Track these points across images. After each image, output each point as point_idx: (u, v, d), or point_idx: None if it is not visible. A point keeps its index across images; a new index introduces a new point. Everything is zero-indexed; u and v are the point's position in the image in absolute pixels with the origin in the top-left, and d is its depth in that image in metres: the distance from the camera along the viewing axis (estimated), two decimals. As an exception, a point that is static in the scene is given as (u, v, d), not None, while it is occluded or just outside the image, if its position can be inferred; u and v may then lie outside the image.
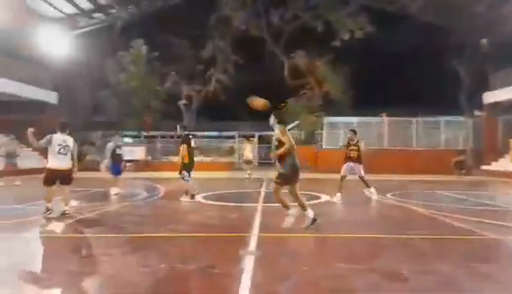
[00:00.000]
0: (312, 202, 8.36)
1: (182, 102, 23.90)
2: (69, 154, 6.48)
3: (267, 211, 7.08)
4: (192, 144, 8.62)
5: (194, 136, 9.36)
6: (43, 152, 8.20)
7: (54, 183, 6.45)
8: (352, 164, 8.67)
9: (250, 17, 23.36)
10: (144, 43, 22.47)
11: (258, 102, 5.80)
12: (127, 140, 25.77)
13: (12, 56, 18.19)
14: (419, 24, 20.24)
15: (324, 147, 20.62)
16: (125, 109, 21.99)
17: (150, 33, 22.33)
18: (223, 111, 24.64)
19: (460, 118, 21.40)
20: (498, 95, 19.90)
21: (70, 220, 6.25)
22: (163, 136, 25.11)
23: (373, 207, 8.42)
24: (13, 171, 13.60)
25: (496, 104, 20.43)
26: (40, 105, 20.15)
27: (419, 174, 17.13)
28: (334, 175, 8.83)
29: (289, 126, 16.34)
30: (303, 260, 4.21)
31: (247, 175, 15.27)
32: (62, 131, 6.56)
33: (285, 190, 5.65)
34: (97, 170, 10.51)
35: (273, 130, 5.71)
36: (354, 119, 20.53)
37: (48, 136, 6.38)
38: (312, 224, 5.44)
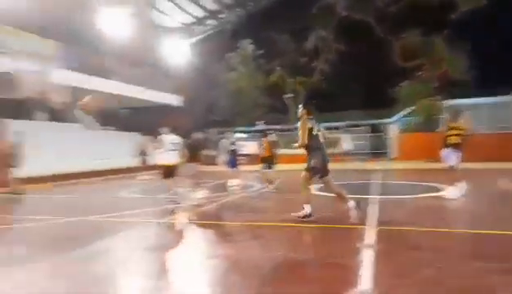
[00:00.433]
0: (429, 194, 7.77)
1: (288, 96, 24.36)
2: (177, 151, 7.56)
3: (383, 204, 6.85)
4: (273, 138, 9.73)
5: (274, 131, 10.66)
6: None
7: (171, 176, 7.54)
8: (451, 150, 7.23)
9: (354, 1, 22.46)
10: (250, 43, 23.56)
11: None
12: (239, 135, 27.45)
13: (140, 65, 20.91)
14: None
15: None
16: (235, 107, 23.44)
17: (255, 32, 23.33)
18: (329, 101, 24.32)
19: None
20: None
21: (197, 209, 7.06)
22: (272, 130, 25.94)
23: (505, 200, 7.40)
24: (144, 167, 15.68)
25: None
26: (166, 108, 22.76)
27: None
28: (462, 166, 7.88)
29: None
30: (426, 256, 4.00)
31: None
32: (171, 132, 7.72)
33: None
34: (215, 164, 11.51)
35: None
36: (480, 100, 18.08)
37: (159, 137, 7.57)
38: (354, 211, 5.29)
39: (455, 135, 7.18)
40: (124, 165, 15.57)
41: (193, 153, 7.86)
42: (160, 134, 7.79)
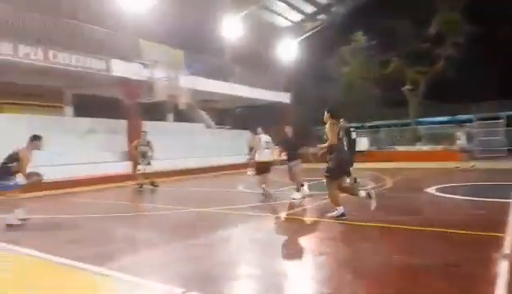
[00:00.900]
0: None
1: (407, 87, 22.51)
2: (270, 149, 8.10)
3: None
4: (353, 136, 9.43)
5: (356, 129, 10.22)
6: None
7: (264, 172, 8.08)
8: None
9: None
10: (363, 34, 22.50)
11: None
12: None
13: (254, 66, 21.81)
14: None
15: None
16: (348, 101, 22.70)
17: (368, 23, 22.14)
18: (455, 92, 21.66)
19: None
20: None
21: (304, 206, 7.06)
22: (387, 125, 24.44)
23: None
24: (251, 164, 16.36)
25: None
26: (278, 105, 23.32)
27: None
28: None
29: None
30: None
31: None
32: (265, 132, 8.46)
33: None
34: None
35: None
36: None
37: (257, 137, 8.33)
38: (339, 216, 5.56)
39: None
40: (238, 161, 16.50)
41: (293, 150, 7.92)
42: (257, 134, 8.56)
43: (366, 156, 20.35)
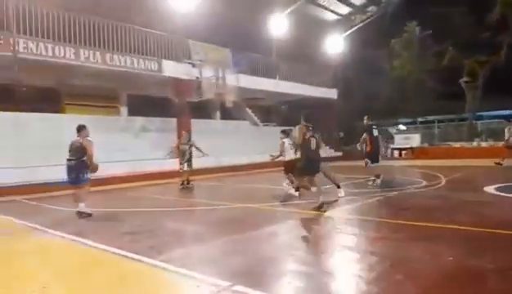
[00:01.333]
0: None
1: (464, 79, 21.11)
2: (293, 149, 8.25)
3: None
4: (375, 133, 9.42)
5: (377, 126, 10.01)
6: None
7: (291, 171, 8.27)
8: None
9: None
10: (416, 25, 21.42)
11: None
12: (401, 127, 25.45)
13: (301, 62, 21.59)
14: None
15: None
16: (399, 95, 21.77)
17: (420, 12, 21.00)
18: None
19: None
20: None
21: (350, 205, 6.91)
22: (440, 120, 23.12)
23: None
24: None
25: None
26: (324, 101, 22.90)
27: None
28: None
29: None
30: None
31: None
32: (288, 135, 8.67)
33: None
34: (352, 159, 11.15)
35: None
36: None
37: (281, 142, 8.59)
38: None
39: None
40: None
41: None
42: (285, 136, 8.73)
43: (415, 153, 19.49)
